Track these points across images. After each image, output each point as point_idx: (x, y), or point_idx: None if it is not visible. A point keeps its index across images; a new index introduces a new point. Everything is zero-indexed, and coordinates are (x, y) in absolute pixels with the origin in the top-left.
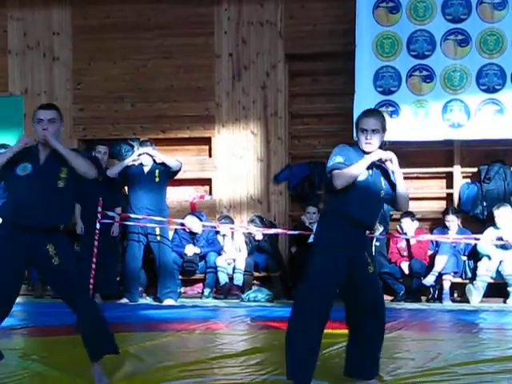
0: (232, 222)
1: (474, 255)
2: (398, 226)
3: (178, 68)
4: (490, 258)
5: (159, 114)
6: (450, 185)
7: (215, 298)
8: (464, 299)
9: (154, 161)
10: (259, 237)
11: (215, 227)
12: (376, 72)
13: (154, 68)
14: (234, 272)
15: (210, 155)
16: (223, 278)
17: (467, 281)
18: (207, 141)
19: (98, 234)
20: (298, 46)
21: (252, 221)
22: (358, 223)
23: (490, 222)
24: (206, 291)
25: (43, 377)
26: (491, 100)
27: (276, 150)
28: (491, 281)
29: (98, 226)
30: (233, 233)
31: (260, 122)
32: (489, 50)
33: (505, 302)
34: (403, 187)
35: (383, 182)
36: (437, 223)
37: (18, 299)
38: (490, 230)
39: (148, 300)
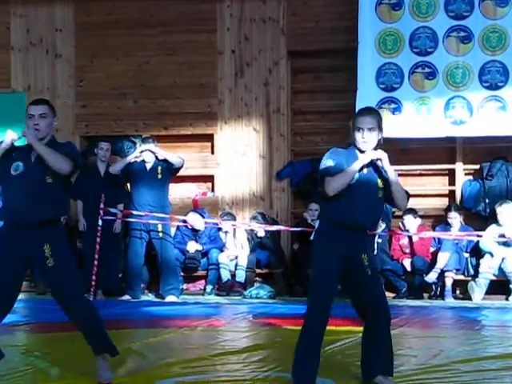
0: (234, 219)
1: (477, 252)
2: (400, 223)
3: (181, 65)
4: (492, 255)
5: (162, 110)
6: (452, 182)
7: (217, 294)
8: (466, 296)
9: (157, 157)
10: (261, 234)
11: (217, 224)
12: (378, 69)
13: (156, 65)
14: (236, 269)
15: (213, 152)
16: (225, 275)
17: (469, 278)
18: (210, 137)
19: (101, 230)
20: (301, 42)
21: (254, 218)
22: (353, 226)
23: (492, 219)
24: (208, 288)
25: (45, 373)
26: (494, 97)
27: (278, 147)
28: (493, 278)
29: (100, 222)
30: (234, 230)
31: (262, 118)
32: (491, 46)
33: (507, 299)
34: (397, 184)
35: (380, 182)
36: (439, 220)
37: (21, 296)
38: (492, 227)
39: (150, 297)
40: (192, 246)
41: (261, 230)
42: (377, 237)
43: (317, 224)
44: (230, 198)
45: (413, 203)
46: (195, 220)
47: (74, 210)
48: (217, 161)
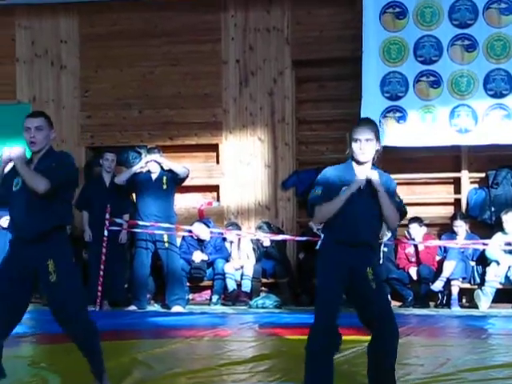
0: (239, 229)
1: (483, 261)
2: (405, 232)
3: (186, 75)
4: (498, 263)
5: (167, 120)
6: (457, 190)
7: (223, 304)
8: (472, 305)
9: (162, 168)
10: (267, 243)
11: (223, 234)
12: (383, 78)
13: (161, 75)
14: (241, 278)
15: (218, 162)
16: (231, 285)
17: (476, 286)
18: (215, 147)
19: (106, 241)
20: (305, 52)
21: (260, 227)
22: (354, 242)
23: (498, 227)
24: (214, 298)
25: None
26: (499, 105)
27: (283, 156)
28: (500, 286)
29: (105, 233)
30: (239, 240)
31: (267, 128)
32: (496, 55)
33: None
34: (388, 205)
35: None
36: (445, 229)
37: None
38: (498, 236)
39: (156, 307)
40: (198, 256)
41: (266, 239)
42: (383, 246)
43: (322, 234)
44: (235, 208)
45: (418, 212)
46: (201, 230)
47: (79, 221)
48: (222, 170)
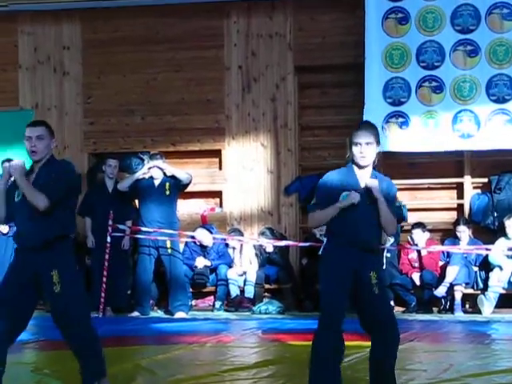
0: (241, 235)
1: (486, 266)
2: (408, 237)
3: (188, 81)
4: (501, 268)
5: (169, 126)
6: (460, 195)
7: (226, 310)
8: (476, 310)
9: (165, 174)
10: (270, 249)
11: (226, 240)
12: (385, 83)
13: (164, 81)
14: (244, 284)
15: (221, 168)
16: (234, 291)
17: (479, 291)
18: (217, 153)
19: (109, 247)
20: (308, 58)
21: (263, 233)
22: (356, 245)
23: (501, 232)
24: (217, 304)
25: None
26: (501, 110)
27: (286, 162)
28: (503, 291)
29: (108, 239)
30: (241, 246)
31: (270, 134)
32: (498, 60)
33: None
34: (386, 212)
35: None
36: (448, 234)
37: None
38: (501, 241)
39: (159, 313)
40: (200, 262)
41: (269, 245)
42: (386, 251)
43: (325, 239)
44: (238, 214)
45: (421, 217)
46: (203, 236)
47: (82, 227)
48: (225, 176)
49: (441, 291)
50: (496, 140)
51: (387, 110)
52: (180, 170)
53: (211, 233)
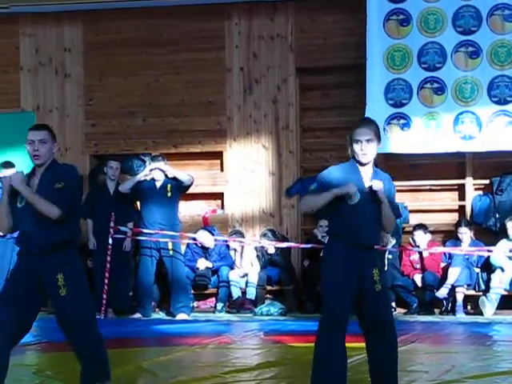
0: (243, 237)
1: (487, 267)
2: (410, 239)
3: (189, 83)
4: (503, 269)
5: (171, 128)
6: (462, 197)
7: (228, 312)
8: (477, 311)
9: (166, 176)
10: (272, 250)
11: (227, 241)
12: (387, 85)
13: (165, 83)
14: (246, 286)
15: (222, 169)
16: (236, 292)
17: (480, 293)
18: (219, 155)
19: (111, 249)
20: (309, 59)
21: (264, 235)
22: (358, 242)
23: (502, 233)
24: (219, 305)
25: None
26: (503, 112)
27: (288, 164)
28: (505, 293)
29: (110, 241)
30: (242, 248)
31: (271, 135)
32: (500, 61)
33: None
34: (389, 214)
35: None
36: (449, 235)
37: None
38: (502, 242)
39: (161, 315)
40: (202, 264)
41: (271, 246)
42: (387, 253)
43: (327, 240)
44: (239, 215)
45: (423, 219)
46: (205, 237)
47: (83, 229)
48: (226, 178)
49: (442, 293)
50: (497, 141)
51: (389, 112)
52: (181, 171)
53: (213, 234)
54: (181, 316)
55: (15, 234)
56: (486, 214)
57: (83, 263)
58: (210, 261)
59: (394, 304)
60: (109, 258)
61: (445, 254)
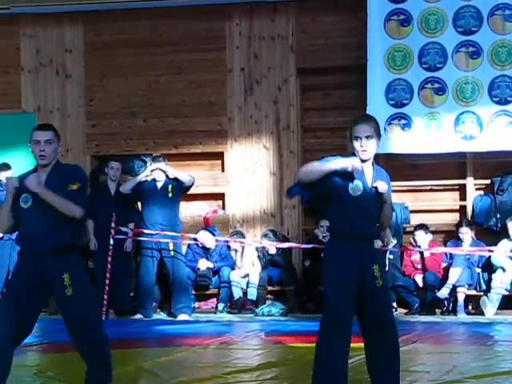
0: (243, 238)
1: (488, 267)
2: (411, 239)
3: (190, 83)
4: (504, 269)
5: (172, 129)
6: (463, 197)
7: (229, 312)
8: (478, 311)
9: (167, 176)
10: (273, 251)
11: (228, 242)
12: (388, 85)
13: (166, 84)
14: (247, 286)
15: (223, 170)
16: (237, 293)
17: (482, 293)
18: (220, 155)
19: (112, 249)
20: (310, 59)
21: (265, 235)
22: (358, 236)
23: (503, 233)
24: (220, 306)
25: None
26: (503, 112)
27: (289, 164)
28: (506, 293)
29: (111, 241)
30: (243, 248)
31: (272, 136)
32: (500, 61)
33: None
34: (387, 213)
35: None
36: (450, 235)
37: None
38: (504, 242)
39: (162, 315)
40: (203, 264)
41: (272, 247)
42: (388, 253)
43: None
44: (240, 216)
45: (424, 219)
46: (206, 238)
47: (84, 230)
48: (227, 178)
49: (443, 293)
50: (498, 141)
51: (389, 112)
52: (182, 172)
53: (214, 235)
54: (182, 316)
55: (14, 236)
56: (486, 214)
57: (85, 264)
58: (211, 261)
59: (395, 304)
60: (110, 259)
61: (446, 254)
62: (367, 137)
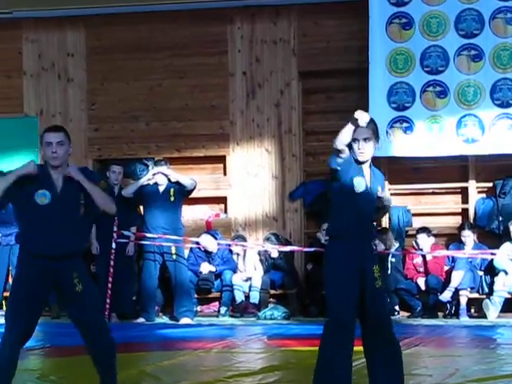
0: (245, 241)
1: (491, 270)
2: (413, 242)
3: (193, 87)
4: (506, 272)
5: (174, 133)
6: (465, 200)
7: (231, 316)
8: (481, 315)
9: (169, 180)
10: (275, 254)
11: (230, 245)
12: (390, 88)
13: (168, 87)
14: (250, 290)
15: (225, 173)
16: (239, 296)
17: (484, 296)
18: (222, 159)
19: (114, 253)
20: (312, 63)
21: (268, 238)
22: (358, 236)
23: (506, 236)
24: (223, 309)
25: None
26: (505, 115)
27: (291, 168)
28: (508, 296)
29: (113, 245)
30: (245, 252)
31: (274, 139)
32: (502, 64)
33: None
34: (381, 213)
35: (379, 189)
36: (453, 239)
37: None
38: (506, 245)
39: (164, 319)
40: (205, 267)
41: (274, 250)
42: (390, 256)
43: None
44: (242, 220)
45: (426, 222)
46: (208, 242)
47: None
48: (229, 182)
49: (446, 296)
50: (500, 144)
51: (391, 115)
52: (184, 175)
53: (216, 239)
54: (184, 320)
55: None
56: (489, 217)
57: (87, 269)
58: (213, 265)
59: (397, 307)
60: (112, 263)
61: (448, 257)
62: (365, 139)
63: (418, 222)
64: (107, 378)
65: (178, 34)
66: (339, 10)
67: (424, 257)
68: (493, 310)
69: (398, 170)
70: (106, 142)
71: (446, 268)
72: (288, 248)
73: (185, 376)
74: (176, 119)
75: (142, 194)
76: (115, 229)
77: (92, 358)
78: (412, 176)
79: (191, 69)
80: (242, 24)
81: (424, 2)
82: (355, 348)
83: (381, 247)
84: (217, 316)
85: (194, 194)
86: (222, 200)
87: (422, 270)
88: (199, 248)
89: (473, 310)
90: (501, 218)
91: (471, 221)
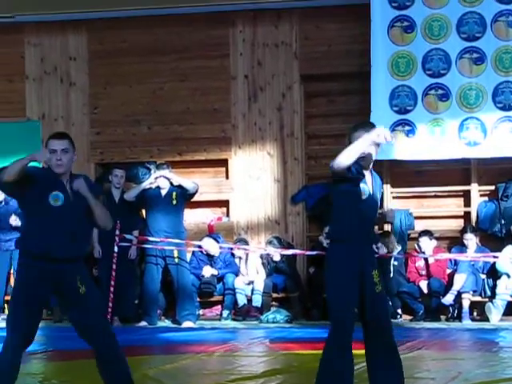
0: (247, 245)
1: (493, 273)
2: (416, 245)
3: (194, 90)
4: (509, 276)
5: (176, 136)
6: (467, 203)
7: (234, 319)
8: (484, 318)
9: (171, 183)
10: (277, 258)
11: (232, 249)
12: (392, 91)
13: (170, 91)
14: (252, 293)
15: (227, 177)
16: (241, 300)
17: (486, 299)
18: (224, 162)
19: (116, 257)
20: (314, 66)
21: (270, 242)
22: (361, 241)
23: (508, 239)
24: (225, 313)
25: None
26: (507, 118)
27: (293, 171)
28: (511, 299)
29: (115, 249)
30: (247, 255)
31: (276, 143)
32: (504, 67)
33: None
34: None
35: (379, 192)
36: (455, 242)
37: None
38: (508, 248)
39: (167, 323)
40: (207, 271)
41: (276, 254)
42: (393, 259)
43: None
44: (245, 223)
45: (428, 225)
46: (210, 245)
47: None
48: (231, 185)
49: (448, 299)
50: (503, 147)
51: (393, 118)
52: (186, 179)
53: (218, 242)
54: (186, 324)
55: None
56: (491, 220)
57: (89, 272)
58: (216, 268)
59: (399, 311)
60: (114, 266)
61: (450, 260)
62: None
63: (420, 225)
64: (122, 372)
65: (180, 37)
66: (341, 13)
67: (426, 260)
68: (495, 313)
69: (400, 173)
70: (108, 146)
71: (448, 271)
72: (290, 251)
73: (187, 380)
74: (178, 123)
75: (144, 197)
76: (117, 232)
77: (97, 366)
78: (414, 179)
79: (193, 72)
80: (243, 27)
81: (426, 6)
82: (356, 351)
83: (383, 250)
84: (219, 319)
85: (196, 198)
86: (224, 203)
87: (424, 273)
88: (201, 251)
89: (475, 313)
90: (503, 221)
91: (473, 224)
